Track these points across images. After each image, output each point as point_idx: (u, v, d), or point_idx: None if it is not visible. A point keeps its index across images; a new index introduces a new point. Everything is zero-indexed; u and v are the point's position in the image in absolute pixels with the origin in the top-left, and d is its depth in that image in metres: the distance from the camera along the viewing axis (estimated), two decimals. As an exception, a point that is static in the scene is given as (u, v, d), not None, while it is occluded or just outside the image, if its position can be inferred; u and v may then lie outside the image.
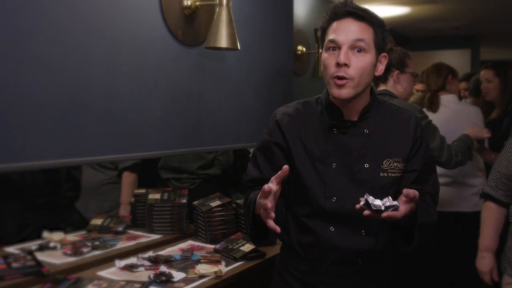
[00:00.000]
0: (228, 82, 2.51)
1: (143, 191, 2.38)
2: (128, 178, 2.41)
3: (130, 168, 2.39)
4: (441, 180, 2.83)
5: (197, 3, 2.19)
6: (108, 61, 1.88)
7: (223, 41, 2.07)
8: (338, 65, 1.36)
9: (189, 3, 2.17)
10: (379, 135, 1.46)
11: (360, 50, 1.37)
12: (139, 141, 2.03)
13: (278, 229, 1.25)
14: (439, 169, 2.86)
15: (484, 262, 2.05)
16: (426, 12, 5.53)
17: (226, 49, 2.14)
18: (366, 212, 1.26)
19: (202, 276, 1.77)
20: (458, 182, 2.95)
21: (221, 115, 2.48)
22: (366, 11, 1.40)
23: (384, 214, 1.25)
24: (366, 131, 1.46)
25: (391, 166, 1.45)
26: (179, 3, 2.15)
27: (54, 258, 1.85)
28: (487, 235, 2.05)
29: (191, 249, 2.08)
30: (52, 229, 1.98)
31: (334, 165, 1.44)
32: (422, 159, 1.49)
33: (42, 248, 1.90)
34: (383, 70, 1.46)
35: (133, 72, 1.98)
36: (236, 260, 1.96)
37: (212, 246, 2.12)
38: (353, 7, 1.39)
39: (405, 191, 1.26)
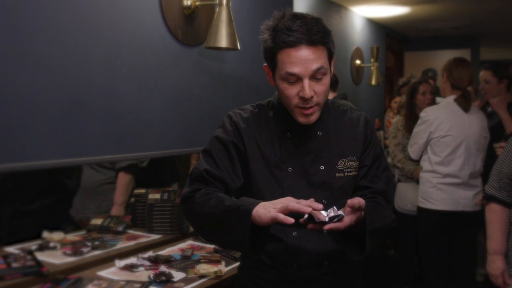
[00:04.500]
0: (228, 82, 2.51)
1: (143, 191, 2.37)
2: (122, 179, 2.38)
3: (126, 169, 2.36)
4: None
5: (197, 3, 2.19)
6: (108, 61, 1.88)
7: (223, 41, 2.07)
8: (303, 98, 1.33)
9: (189, 3, 2.17)
10: (332, 135, 1.47)
11: (320, 78, 1.33)
12: (139, 141, 2.03)
13: (291, 220, 1.18)
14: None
15: (495, 265, 2.01)
16: (426, 12, 5.52)
17: (226, 49, 2.14)
18: (310, 225, 1.25)
19: (202, 276, 1.77)
20: None
21: (221, 115, 2.45)
22: (314, 28, 1.30)
23: (327, 227, 1.24)
24: (320, 133, 1.45)
25: (347, 165, 1.45)
26: (179, 3, 2.15)
27: (54, 258, 1.85)
28: (495, 238, 2.02)
29: (191, 249, 2.07)
30: (52, 229, 1.98)
31: (290, 169, 1.42)
32: (372, 155, 1.49)
33: (42, 248, 1.90)
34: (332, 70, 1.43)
35: (133, 72, 1.98)
36: (236, 260, 1.96)
37: (212, 246, 2.12)
38: (301, 31, 1.29)
39: (349, 201, 1.24)
